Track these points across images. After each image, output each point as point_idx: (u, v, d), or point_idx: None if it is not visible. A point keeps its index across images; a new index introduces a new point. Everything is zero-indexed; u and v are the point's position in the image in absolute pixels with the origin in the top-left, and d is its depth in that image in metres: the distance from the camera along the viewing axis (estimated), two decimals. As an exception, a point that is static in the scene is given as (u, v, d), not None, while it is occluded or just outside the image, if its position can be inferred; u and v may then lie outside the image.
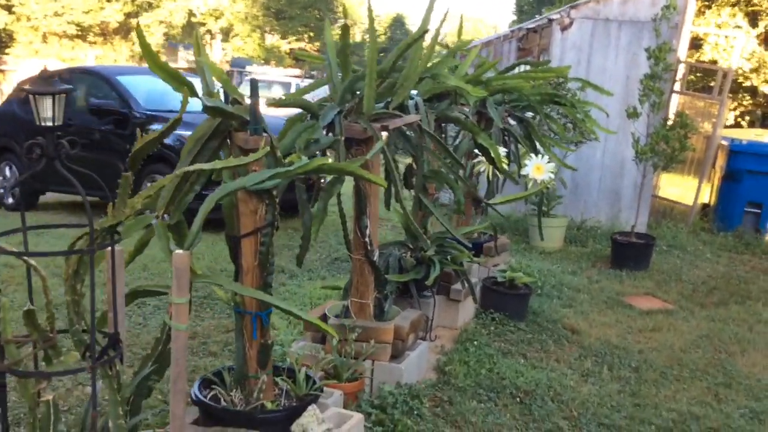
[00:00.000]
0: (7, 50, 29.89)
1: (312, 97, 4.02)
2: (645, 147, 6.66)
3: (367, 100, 3.59)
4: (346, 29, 3.60)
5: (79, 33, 31.28)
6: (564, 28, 8.43)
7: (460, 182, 4.27)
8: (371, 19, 3.66)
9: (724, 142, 9.03)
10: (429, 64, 4.06)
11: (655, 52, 6.64)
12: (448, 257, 4.55)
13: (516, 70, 6.11)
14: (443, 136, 5.23)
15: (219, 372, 2.98)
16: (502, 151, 5.29)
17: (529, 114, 5.98)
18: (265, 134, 2.64)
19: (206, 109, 2.45)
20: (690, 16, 9.15)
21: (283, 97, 3.32)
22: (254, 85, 2.61)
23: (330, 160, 3.33)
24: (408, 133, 4.21)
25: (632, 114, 6.76)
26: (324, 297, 5.20)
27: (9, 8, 28.40)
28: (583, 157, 8.48)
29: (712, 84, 10.22)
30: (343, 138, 3.52)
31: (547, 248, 7.53)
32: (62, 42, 30.74)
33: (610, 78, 8.36)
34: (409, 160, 4.39)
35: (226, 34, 40.58)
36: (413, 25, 50.20)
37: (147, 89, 8.31)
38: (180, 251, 2.36)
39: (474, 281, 5.29)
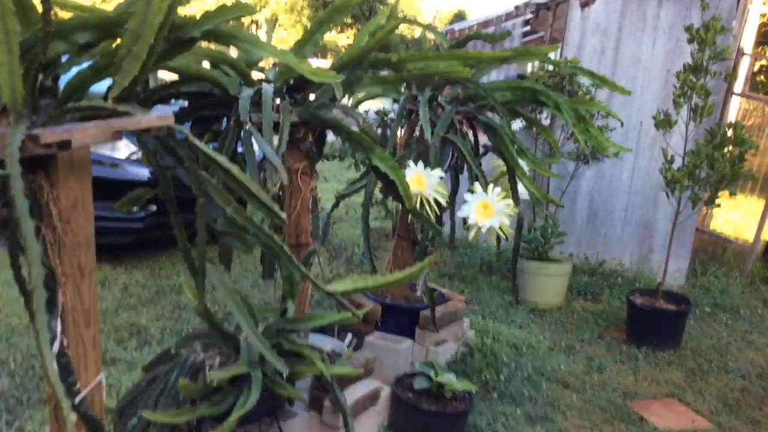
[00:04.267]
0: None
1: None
2: (679, 172, 4.49)
3: (3, 80, 1.65)
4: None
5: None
6: (585, 4, 6.31)
7: (279, 246, 2.29)
8: None
9: (801, 163, 6.76)
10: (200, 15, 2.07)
11: (699, 31, 4.44)
12: (282, 374, 2.56)
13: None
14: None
15: None
16: (437, 174, 3.30)
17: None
18: None
19: None
20: (760, -7, 6.91)
21: None
22: None
23: None
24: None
25: (661, 122, 4.57)
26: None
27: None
28: (605, 178, 6.37)
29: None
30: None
31: (540, 303, 5.45)
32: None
33: (645, 71, 6.21)
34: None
35: (273, 24, 39.37)
36: (475, 21, 47.49)
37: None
38: None
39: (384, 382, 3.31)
